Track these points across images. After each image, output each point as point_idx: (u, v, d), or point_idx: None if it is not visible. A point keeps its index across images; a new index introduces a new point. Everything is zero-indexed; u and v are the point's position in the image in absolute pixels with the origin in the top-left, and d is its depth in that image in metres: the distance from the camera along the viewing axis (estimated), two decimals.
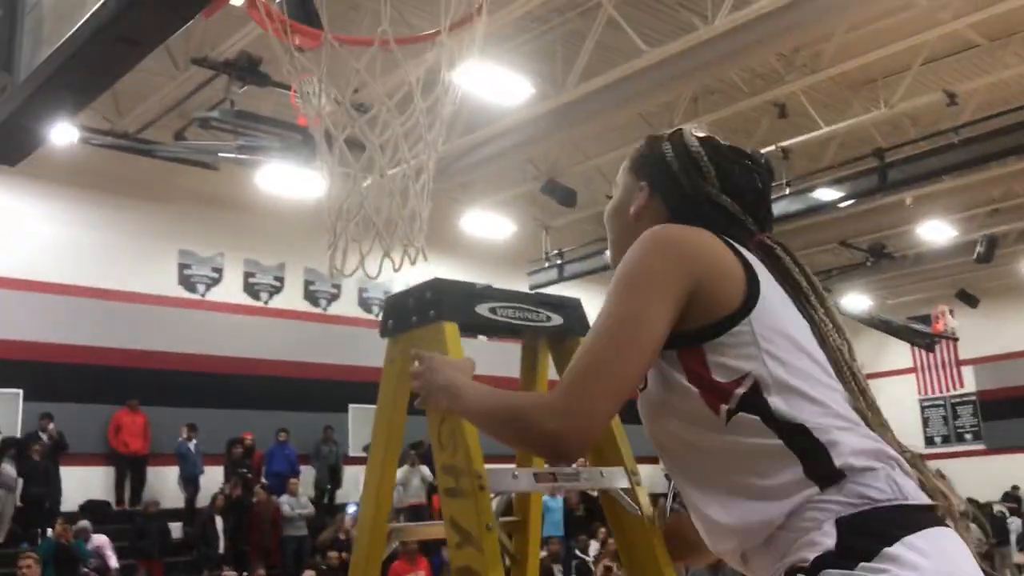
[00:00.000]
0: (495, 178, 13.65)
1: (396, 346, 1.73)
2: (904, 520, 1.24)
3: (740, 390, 1.34)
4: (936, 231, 15.02)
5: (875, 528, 1.23)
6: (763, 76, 11.00)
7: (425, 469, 13.67)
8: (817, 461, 1.28)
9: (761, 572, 1.37)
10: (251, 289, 13.91)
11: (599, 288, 17.99)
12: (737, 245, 1.45)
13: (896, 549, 1.18)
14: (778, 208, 12.34)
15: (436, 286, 1.64)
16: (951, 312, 18.97)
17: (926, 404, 21.42)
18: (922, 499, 1.28)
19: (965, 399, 20.57)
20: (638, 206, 1.59)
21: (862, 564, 1.18)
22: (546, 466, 1.70)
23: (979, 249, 15.03)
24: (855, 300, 18.62)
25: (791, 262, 1.50)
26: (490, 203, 14.29)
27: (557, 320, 1.89)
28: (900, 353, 19.94)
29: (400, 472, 13.42)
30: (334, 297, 14.77)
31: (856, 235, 15.31)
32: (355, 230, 2.87)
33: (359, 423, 14.25)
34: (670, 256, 1.39)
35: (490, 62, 9.35)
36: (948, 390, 20.80)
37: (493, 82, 9.57)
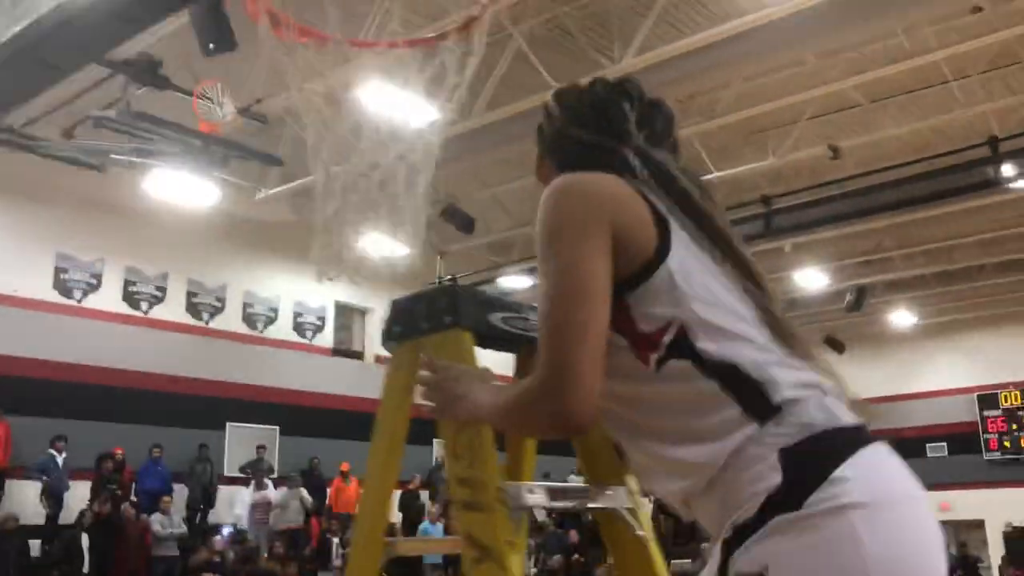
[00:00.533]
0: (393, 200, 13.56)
1: (403, 353, 1.69)
2: (843, 442, 1.25)
3: (667, 338, 1.32)
4: (810, 279, 15.72)
5: (819, 454, 1.23)
6: None
7: (304, 492, 13.35)
8: (753, 398, 1.28)
9: (706, 518, 1.34)
10: (131, 298, 13.38)
11: None
12: (636, 185, 1.41)
13: (841, 471, 1.20)
14: None
15: (452, 291, 1.61)
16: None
17: None
18: (854, 420, 1.30)
19: None
20: (543, 171, 1.58)
21: (810, 499, 1.18)
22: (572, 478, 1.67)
23: (849, 298, 15.81)
24: None
25: (687, 182, 1.45)
26: (387, 225, 14.18)
27: None
28: None
29: (278, 494, 13.07)
30: (217, 311, 14.35)
31: None
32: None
33: (236, 442, 13.84)
34: (582, 202, 1.35)
35: (396, 85, 9.36)
36: None
37: (399, 104, 9.56)
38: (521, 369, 1.99)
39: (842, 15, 7.90)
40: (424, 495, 15.36)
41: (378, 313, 16.68)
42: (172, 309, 13.75)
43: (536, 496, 1.62)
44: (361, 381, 15.85)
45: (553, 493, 1.64)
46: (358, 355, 16.60)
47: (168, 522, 11.57)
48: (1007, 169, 10.58)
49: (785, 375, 1.30)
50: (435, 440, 16.48)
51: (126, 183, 11.39)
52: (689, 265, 1.36)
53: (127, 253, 13.19)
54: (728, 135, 11.56)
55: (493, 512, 1.50)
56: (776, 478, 1.22)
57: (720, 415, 1.29)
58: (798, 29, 8.18)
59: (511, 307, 1.72)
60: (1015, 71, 9.88)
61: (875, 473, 1.23)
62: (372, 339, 16.70)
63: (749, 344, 1.32)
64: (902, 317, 18.29)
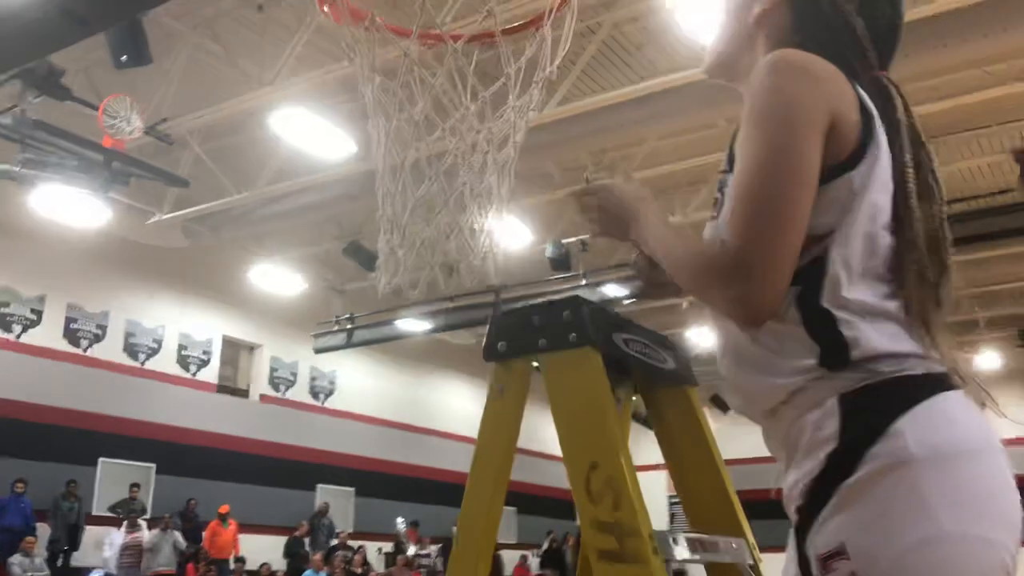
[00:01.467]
0: (293, 232, 13.21)
1: (512, 374, 1.48)
2: (906, 392, 1.18)
3: (815, 249, 1.24)
4: (703, 336, 16.03)
5: (878, 404, 1.17)
6: (573, 170, 11.42)
7: (179, 535, 12.64)
8: (835, 352, 1.21)
9: (772, 445, 1.31)
10: (2, 320, 12.50)
11: (388, 358, 17.72)
12: (856, 85, 1.31)
13: (899, 424, 1.13)
14: None
15: (579, 304, 1.44)
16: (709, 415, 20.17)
17: (674, 500, 22.50)
18: (934, 369, 1.21)
19: None
20: (764, 9, 1.44)
21: (866, 456, 1.12)
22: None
23: None
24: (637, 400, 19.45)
25: (903, 110, 1.36)
26: (283, 258, 13.78)
27: (672, 364, 1.70)
28: (655, 448, 20.92)
29: (150, 536, 12.33)
30: (97, 338, 13.55)
31: None
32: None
33: (108, 480, 13.00)
34: (811, 87, 1.25)
35: (315, 114, 9.14)
36: None
37: (317, 134, 9.33)
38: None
39: None
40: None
41: (267, 350, 16.12)
42: (48, 334, 12.90)
43: (680, 548, 1.45)
44: (245, 420, 15.23)
45: (692, 544, 1.48)
46: (243, 393, 15.96)
47: (29, 564, 10.71)
48: None
49: (878, 340, 1.21)
50: (319, 486, 16.02)
51: (6, 196, 10.69)
52: (871, 182, 1.27)
53: (2, 272, 12.36)
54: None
55: (647, 565, 1.30)
56: (833, 425, 1.17)
57: (797, 356, 1.23)
58: (712, 94, 8.37)
59: (631, 328, 1.55)
60: None
61: (936, 424, 1.14)
62: (258, 377, 16.11)
63: (865, 290, 1.24)
64: None
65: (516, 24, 2.73)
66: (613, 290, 12.65)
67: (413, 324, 14.42)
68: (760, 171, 1.23)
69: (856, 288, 1.24)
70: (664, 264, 1.36)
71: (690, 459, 1.64)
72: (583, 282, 12.03)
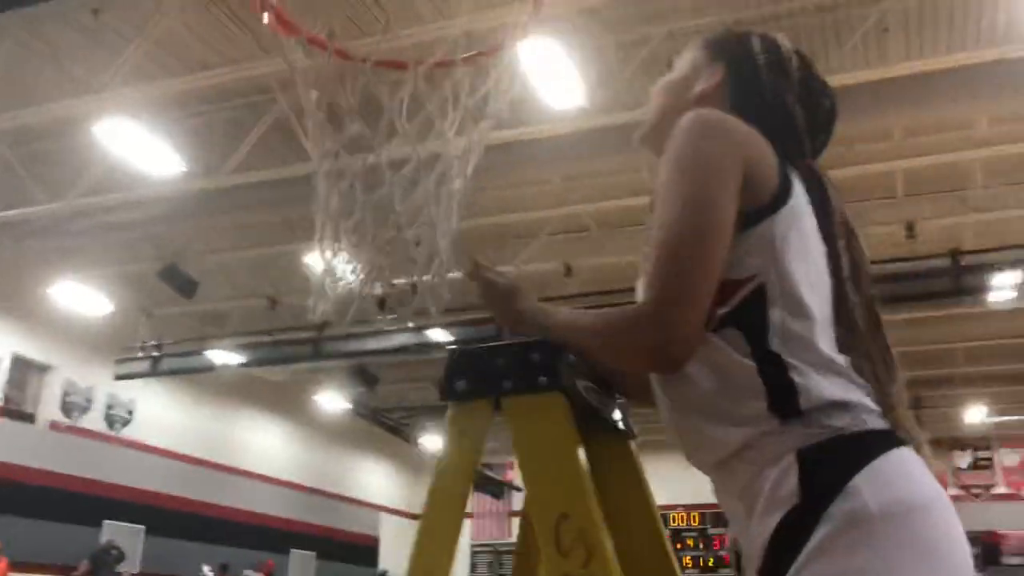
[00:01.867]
0: (104, 250, 12.43)
1: (470, 417, 1.36)
2: (862, 447, 1.20)
3: (743, 291, 1.26)
4: None
5: (835, 458, 1.18)
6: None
7: None
8: (784, 398, 1.22)
9: (725, 496, 1.30)
10: None
11: (194, 390, 16.83)
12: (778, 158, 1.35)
13: (855, 482, 1.15)
14: (395, 340, 12.64)
15: (548, 347, 1.35)
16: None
17: (476, 549, 22.53)
18: (882, 425, 1.25)
19: (511, 548, 21.97)
20: (707, 87, 1.48)
21: (826, 515, 1.13)
22: None
23: None
24: (432, 440, 19.36)
25: (834, 195, 1.41)
26: (90, 276, 12.91)
27: (618, 415, 1.61)
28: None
29: None
30: None
31: None
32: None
33: None
34: (723, 139, 1.29)
35: (145, 128, 8.70)
36: (498, 538, 22.13)
37: (144, 149, 8.86)
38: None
39: (597, 144, 8.41)
40: None
41: (61, 372, 15.00)
42: None
43: None
44: (28, 447, 14.06)
45: None
46: (29, 417, 14.74)
47: None
48: None
49: (827, 388, 1.23)
50: (105, 522, 14.93)
51: None
52: (794, 233, 1.30)
53: None
54: (475, 237, 11.83)
55: None
56: (791, 483, 1.18)
57: (746, 402, 1.23)
58: (561, 150, 8.60)
59: (589, 375, 1.48)
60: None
61: (892, 480, 1.16)
62: (49, 400, 14.94)
63: (810, 343, 1.26)
64: None
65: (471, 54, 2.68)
66: (439, 335, 12.64)
67: (225, 356, 13.83)
68: (674, 224, 1.26)
69: (802, 333, 1.26)
70: (570, 335, 1.38)
71: (631, 513, 1.60)
72: (410, 324, 11.94)
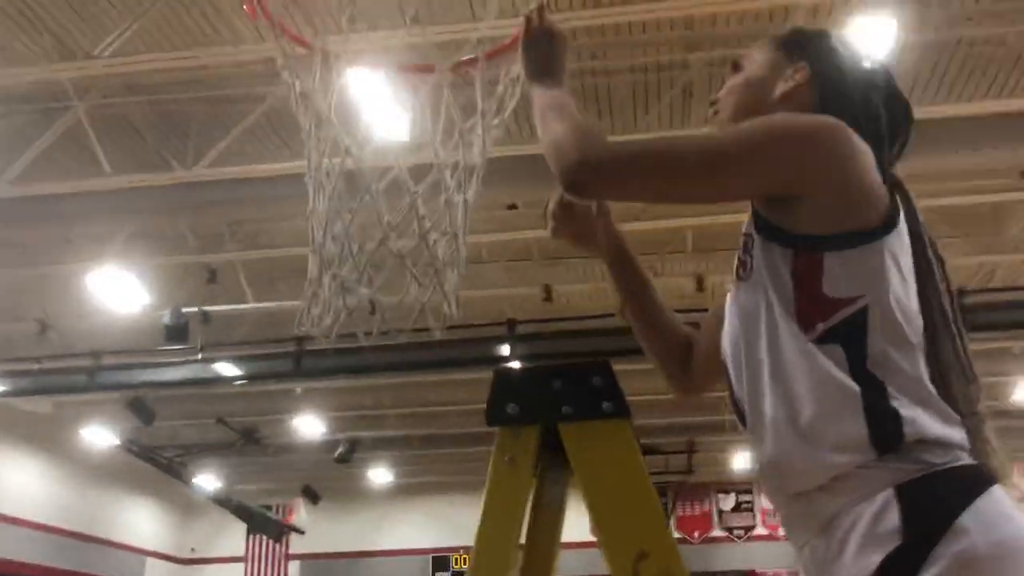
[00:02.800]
0: None
1: (519, 441, 1.21)
2: (963, 484, 1.17)
3: (847, 311, 1.23)
4: (309, 425, 15.74)
5: (938, 496, 1.15)
6: (204, 237, 10.87)
7: None
8: (887, 428, 1.18)
9: (800, 530, 1.23)
10: None
11: None
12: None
13: (963, 520, 1.12)
14: (182, 372, 11.93)
15: (608, 370, 1.22)
16: (302, 506, 19.72)
17: None
18: (973, 461, 1.23)
19: None
20: (791, 87, 1.45)
21: (933, 554, 1.09)
22: None
23: (341, 450, 16.12)
24: (207, 480, 18.33)
25: (921, 216, 1.40)
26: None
27: None
28: (235, 539, 19.95)
29: None
30: None
31: (234, 414, 15.32)
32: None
33: None
34: (837, 138, 1.27)
35: None
36: None
37: None
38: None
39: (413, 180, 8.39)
40: None
41: None
42: None
43: None
44: None
45: None
46: None
47: None
48: (505, 349, 11.79)
49: (930, 425, 1.21)
50: None
51: None
52: (900, 256, 1.29)
53: None
54: (271, 268, 11.42)
55: None
56: (894, 520, 1.14)
57: (845, 426, 1.19)
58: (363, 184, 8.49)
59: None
60: (530, 265, 11.23)
61: (996, 520, 1.15)
62: None
63: (913, 373, 1.24)
64: (381, 475, 18.99)
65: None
66: (228, 368, 12.05)
67: None
68: (704, 143, 1.34)
69: (901, 362, 1.25)
70: (539, 117, 1.45)
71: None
72: (199, 356, 11.32)
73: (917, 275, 1.35)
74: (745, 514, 19.24)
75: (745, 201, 1.37)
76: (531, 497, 1.23)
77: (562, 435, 1.28)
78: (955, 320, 1.36)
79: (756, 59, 1.56)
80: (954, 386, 1.31)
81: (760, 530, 19.01)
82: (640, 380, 14.39)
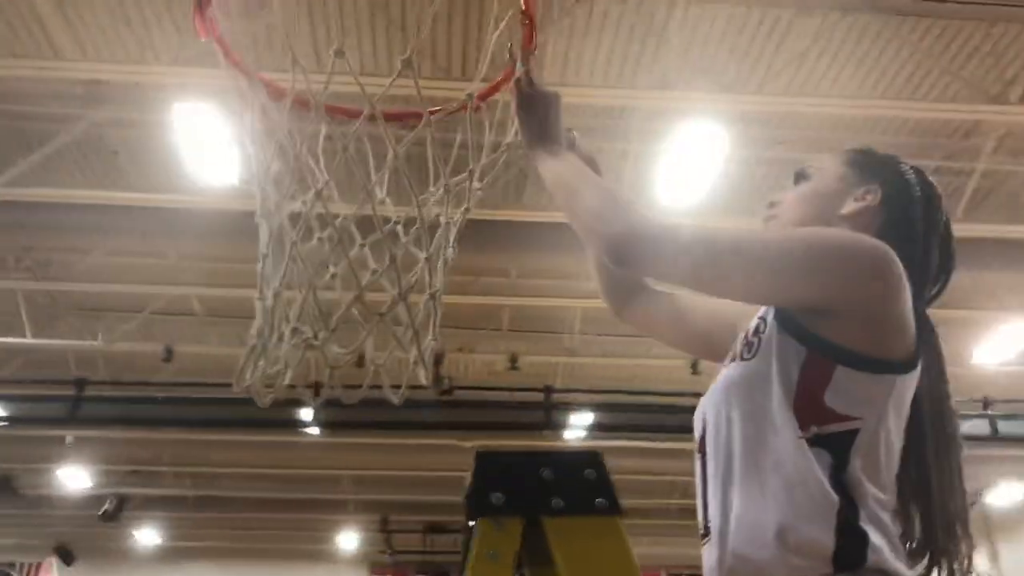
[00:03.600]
0: None
1: (503, 533, 1.02)
2: None
3: (840, 426, 1.24)
4: (74, 477, 14.44)
5: None
6: None
7: None
8: (851, 548, 1.20)
9: None
10: None
11: None
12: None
13: None
14: None
15: (602, 463, 1.07)
16: (55, 566, 17.95)
17: None
18: None
19: None
20: (862, 207, 1.46)
21: None
22: None
23: (107, 506, 14.88)
24: None
25: (944, 357, 1.43)
26: None
27: None
28: None
29: None
30: None
31: None
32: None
33: None
34: (889, 274, 1.28)
35: None
36: None
37: None
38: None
39: (232, 227, 7.95)
40: None
41: None
42: None
43: None
44: None
45: None
46: None
47: None
48: (307, 413, 11.34)
49: (890, 553, 1.23)
50: None
51: None
52: (904, 399, 1.30)
53: None
54: (55, 302, 10.52)
55: None
56: None
57: (813, 533, 1.19)
58: (176, 224, 7.99)
59: None
60: (344, 327, 10.90)
61: None
62: None
63: (883, 501, 1.27)
64: (148, 536, 17.64)
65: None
66: None
67: None
68: (764, 242, 1.33)
69: (875, 490, 1.26)
70: (563, 187, 1.46)
71: None
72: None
73: (931, 402, 1.38)
74: None
75: (787, 306, 1.33)
76: None
77: (547, 529, 1.15)
78: (956, 449, 1.40)
79: (826, 170, 1.56)
80: (935, 514, 1.35)
81: None
82: (432, 455, 14.29)
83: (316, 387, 9.36)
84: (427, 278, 2.02)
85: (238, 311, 10.83)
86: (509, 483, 1.20)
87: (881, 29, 6.49)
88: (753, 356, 1.36)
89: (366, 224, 2.17)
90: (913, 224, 1.46)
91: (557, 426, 10.91)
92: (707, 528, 1.33)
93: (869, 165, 1.53)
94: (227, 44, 2.12)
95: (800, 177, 1.59)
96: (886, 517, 1.26)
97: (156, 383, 10.78)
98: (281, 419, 10.86)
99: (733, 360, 1.42)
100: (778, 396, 1.28)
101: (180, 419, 10.55)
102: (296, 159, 2.03)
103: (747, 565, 1.24)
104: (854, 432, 1.26)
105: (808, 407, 1.27)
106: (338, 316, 2.00)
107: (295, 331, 2.01)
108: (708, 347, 1.69)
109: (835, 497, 1.21)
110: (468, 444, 12.55)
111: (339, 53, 1.97)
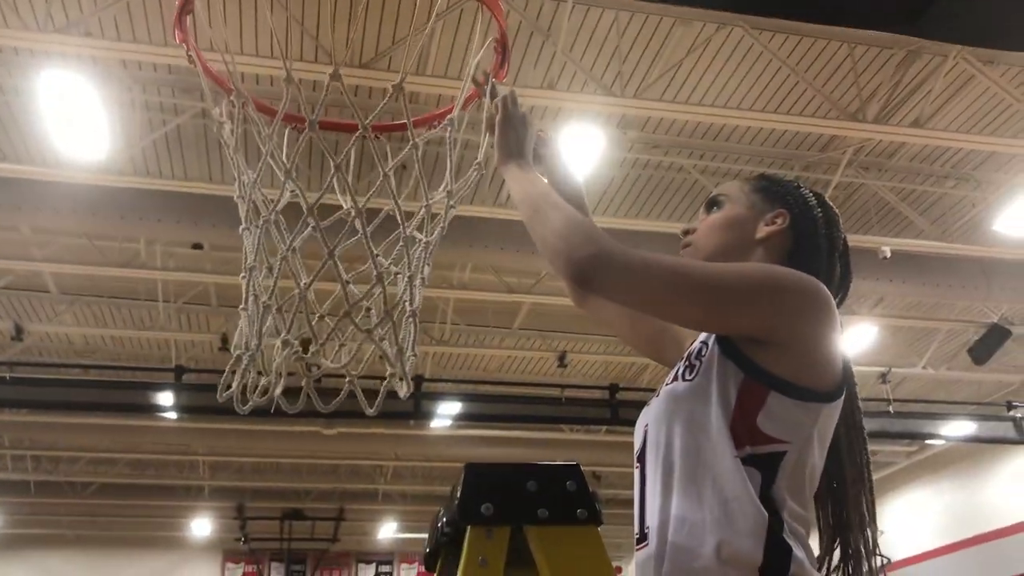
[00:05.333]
0: None
1: (492, 541, 1.03)
2: None
3: (770, 448, 1.34)
4: None
5: None
6: None
7: None
8: (776, 562, 1.29)
9: None
10: None
11: None
12: None
13: None
14: None
15: (581, 475, 1.10)
16: None
17: None
18: None
19: None
20: (774, 230, 1.54)
21: None
22: None
23: None
24: None
25: (853, 374, 1.53)
26: None
27: None
28: None
29: None
30: None
31: None
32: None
33: None
34: (818, 298, 1.39)
35: None
36: None
37: None
38: None
39: (96, 205, 7.61)
40: None
41: None
42: None
43: None
44: None
45: None
46: None
47: None
48: (167, 397, 10.91)
49: (808, 567, 1.35)
50: None
51: None
52: (828, 427, 1.40)
53: None
54: None
55: None
56: None
57: (742, 545, 1.28)
58: (38, 198, 7.59)
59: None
60: (208, 311, 10.60)
61: None
62: None
63: (803, 518, 1.38)
64: None
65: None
66: None
67: None
68: (707, 269, 1.43)
69: (797, 508, 1.36)
70: (529, 206, 1.55)
71: None
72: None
73: (847, 429, 1.51)
74: None
75: (728, 334, 1.42)
76: None
77: (529, 537, 1.22)
78: (868, 476, 1.54)
79: (735, 197, 1.64)
80: (850, 531, 1.50)
81: None
82: (292, 442, 14.01)
83: (179, 370, 9.15)
84: (409, 295, 2.07)
85: (93, 290, 10.39)
86: (498, 494, 1.26)
87: (753, 44, 6.79)
88: (695, 377, 1.44)
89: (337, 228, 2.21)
90: (818, 243, 1.57)
91: (425, 415, 10.94)
92: (643, 534, 1.42)
93: (775, 191, 1.64)
94: (203, 57, 2.10)
95: (713, 205, 1.68)
96: (804, 531, 1.37)
97: (3, 362, 10.19)
98: (138, 403, 10.46)
99: (676, 380, 1.49)
100: (716, 415, 1.37)
101: (28, 400, 10.02)
102: (286, 173, 2.06)
103: (682, 573, 1.33)
104: (782, 454, 1.36)
105: (743, 428, 1.36)
106: (328, 333, 2.02)
107: (286, 343, 2.00)
108: (657, 353, 1.81)
109: (764, 513, 1.31)
110: (330, 432, 12.45)
111: (335, 76, 2.09)
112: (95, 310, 10.67)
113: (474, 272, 9.89)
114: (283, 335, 2.02)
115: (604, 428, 12.49)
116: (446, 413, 11.24)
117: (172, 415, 11.22)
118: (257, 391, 2.02)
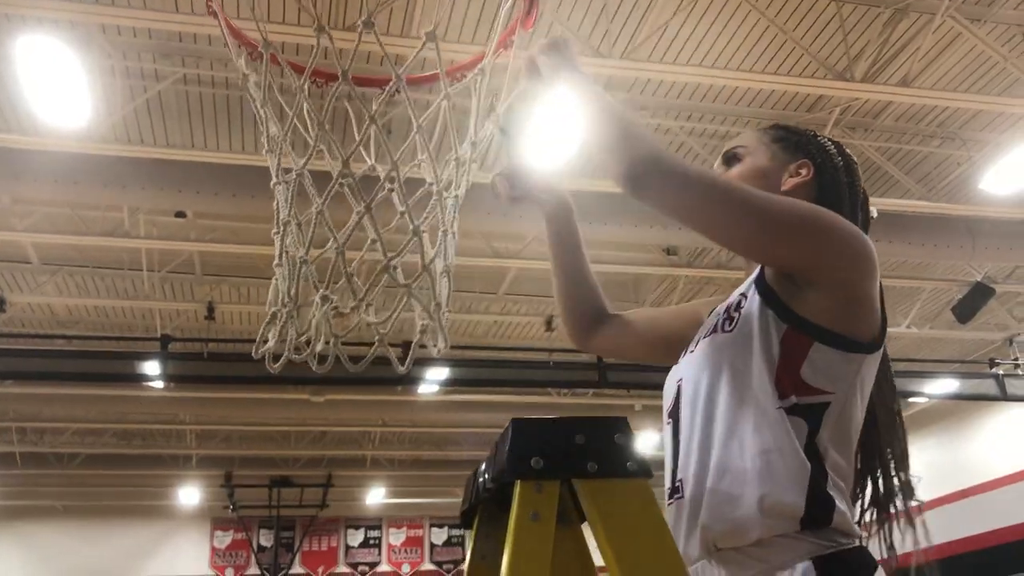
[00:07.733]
0: None
1: (543, 495, 1.02)
2: (866, 562, 1.34)
3: (814, 399, 1.33)
4: None
5: (851, 570, 1.30)
6: None
7: None
8: (818, 511, 1.29)
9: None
10: None
11: None
12: None
13: None
14: None
15: (627, 428, 1.09)
16: None
17: None
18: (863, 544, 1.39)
19: None
20: (799, 181, 1.53)
21: None
22: None
23: None
24: None
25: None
26: None
27: None
28: None
29: None
30: None
31: None
32: None
33: None
34: (868, 259, 1.38)
35: None
36: None
37: None
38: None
39: (79, 173, 7.50)
40: None
41: None
42: None
43: None
44: None
45: None
46: None
47: None
48: (153, 367, 10.82)
49: (847, 512, 1.36)
50: None
51: None
52: (868, 377, 1.40)
53: None
54: None
55: None
56: None
57: (787, 494, 1.28)
58: (21, 167, 7.48)
59: None
60: (193, 279, 10.52)
61: None
62: None
63: (846, 468, 1.38)
64: None
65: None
66: None
67: None
68: (789, 207, 1.41)
69: (840, 459, 1.36)
70: (593, 113, 1.51)
71: None
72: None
73: (880, 376, 1.49)
74: (372, 550, 19.33)
75: (771, 267, 1.40)
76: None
77: (579, 491, 1.20)
78: (900, 421, 1.54)
79: (755, 150, 1.62)
80: (884, 474, 1.49)
81: (384, 567, 19.19)
82: (280, 410, 14.03)
83: (165, 339, 9.09)
84: (444, 250, 2.06)
85: (76, 260, 10.28)
86: (547, 448, 1.23)
87: (741, 3, 6.74)
88: (734, 328, 1.43)
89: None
90: (841, 193, 1.56)
91: (413, 380, 10.94)
92: (675, 487, 1.42)
93: (795, 140, 1.62)
94: (224, 12, 2.07)
95: (732, 159, 1.66)
96: (844, 485, 1.37)
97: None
98: (123, 373, 10.40)
99: (713, 332, 1.48)
100: (759, 366, 1.36)
101: (12, 371, 9.93)
102: (320, 127, 2.03)
103: (722, 523, 1.33)
104: (826, 404, 1.35)
105: (787, 379, 1.35)
106: (368, 286, 2.01)
107: (325, 299, 1.98)
108: (679, 345, 1.71)
109: (807, 463, 1.31)
110: (317, 399, 12.45)
111: (367, 24, 2.07)
112: (78, 280, 10.57)
113: (461, 238, 9.81)
114: (321, 291, 2.00)
115: (591, 391, 12.53)
116: (434, 379, 11.25)
117: (158, 384, 11.16)
118: (289, 348, 2.02)
